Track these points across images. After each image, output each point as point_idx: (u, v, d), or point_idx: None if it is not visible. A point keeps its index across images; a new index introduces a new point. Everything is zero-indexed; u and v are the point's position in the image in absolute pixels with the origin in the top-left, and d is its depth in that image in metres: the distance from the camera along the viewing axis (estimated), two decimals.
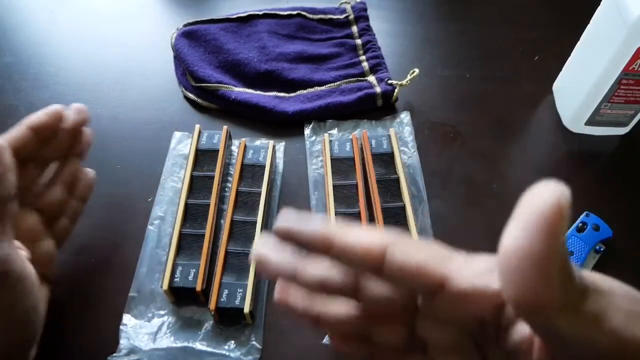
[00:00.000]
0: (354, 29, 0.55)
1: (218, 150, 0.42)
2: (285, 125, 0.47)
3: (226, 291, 0.35)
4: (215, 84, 0.49)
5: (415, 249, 0.19)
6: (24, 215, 0.32)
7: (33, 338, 0.29)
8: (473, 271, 0.18)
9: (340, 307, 0.23)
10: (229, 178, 0.43)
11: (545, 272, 0.14)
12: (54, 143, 0.34)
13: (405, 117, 0.48)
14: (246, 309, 0.34)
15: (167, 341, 0.34)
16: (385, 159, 0.43)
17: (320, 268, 0.21)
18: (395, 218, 0.39)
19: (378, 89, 0.48)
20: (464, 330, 0.21)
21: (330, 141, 0.44)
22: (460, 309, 0.19)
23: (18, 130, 0.32)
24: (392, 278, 0.19)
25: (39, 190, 0.34)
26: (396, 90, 0.48)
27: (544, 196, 0.14)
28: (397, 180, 0.41)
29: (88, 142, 0.38)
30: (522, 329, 0.18)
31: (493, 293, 0.17)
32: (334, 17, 0.56)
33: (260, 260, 0.22)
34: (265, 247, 0.22)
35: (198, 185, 0.41)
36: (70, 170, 0.36)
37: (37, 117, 0.33)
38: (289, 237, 0.20)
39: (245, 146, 0.43)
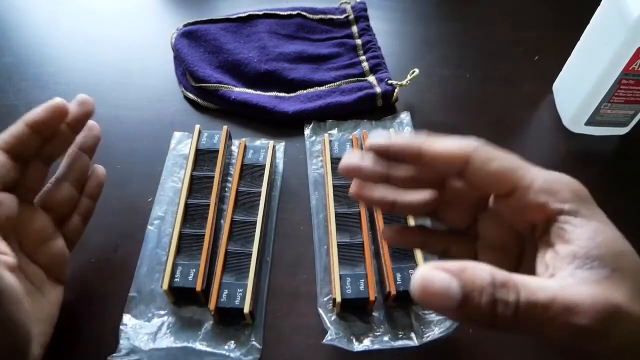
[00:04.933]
0: (354, 29, 0.55)
1: (218, 150, 0.42)
2: (285, 125, 0.47)
3: (226, 291, 0.35)
4: (215, 84, 0.49)
5: (495, 155, 0.22)
6: (33, 215, 0.31)
7: (22, 348, 0.27)
8: (542, 183, 0.21)
9: (415, 195, 0.26)
10: (229, 178, 0.43)
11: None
12: (58, 138, 0.32)
13: (405, 117, 0.48)
14: (246, 309, 0.34)
15: (167, 341, 0.34)
16: None
17: (407, 169, 0.24)
18: (395, 218, 0.39)
19: (378, 89, 0.48)
20: (514, 233, 0.24)
21: (330, 141, 0.44)
22: (524, 213, 0.22)
23: (15, 128, 0.30)
24: (472, 181, 0.22)
25: (47, 189, 0.33)
26: (396, 90, 0.48)
27: (413, 289, 0.18)
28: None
29: (97, 136, 0.36)
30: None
31: (553, 207, 0.21)
32: (334, 17, 0.56)
33: (353, 165, 0.24)
34: (353, 157, 0.24)
35: (198, 185, 0.41)
36: (79, 167, 0.35)
37: (35, 112, 0.31)
38: (382, 150, 0.23)
39: (245, 146, 0.43)
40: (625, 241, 0.20)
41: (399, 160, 0.23)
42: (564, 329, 0.18)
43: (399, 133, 0.47)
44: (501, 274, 0.19)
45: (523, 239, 0.24)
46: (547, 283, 0.19)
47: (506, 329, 0.18)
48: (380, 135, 0.23)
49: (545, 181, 0.21)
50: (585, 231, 0.20)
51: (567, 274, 0.19)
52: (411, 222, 0.38)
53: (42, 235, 0.31)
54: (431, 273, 0.18)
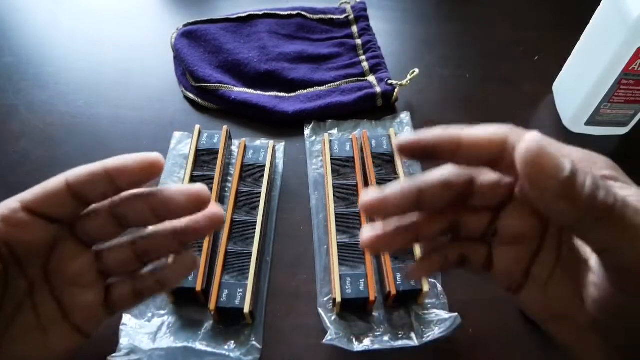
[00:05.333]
0: (354, 29, 0.55)
1: (218, 150, 0.42)
2: (285, 125, 0.48)
3: (226, 291, 0.35)
4: (215, 84, 0.49)
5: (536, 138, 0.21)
6: (77, 255, 0.26)
7: None
8: (581, 155, 0.22)
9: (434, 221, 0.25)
10: (229, 178, 0.43)
11: (553, 203, 0.17)
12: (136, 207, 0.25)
13: (405, 117, 0.48)
14: (246, 309, 0.34)
15: (167, 341, 0.34)
16: (385, 159, 0.43)
17: (440, 172, 0.23)
18: None
19: (378, 89, 0.48)
20: (537, 225, 0.23)
21: (330, 141, 0.44)
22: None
23: (93, 168, 0.24)
24: (511, 162, 0.20)
25: (109, 242, 0.27)
26: (396, 90, 0.48)
27: (520, 155, 0.17)
28: (397, 180, 0.41)
29: (207, 229, 0.26)
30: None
31: (595, 172, 0.20)
32: (334, 17, 0.56)
33: (376, 199, 0.22)
34: (372, 193, 0.22)
35: None
36: (156, 242, 0.27)
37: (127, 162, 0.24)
38: (415, 147, 0.21)
39: (245, 146, 0.43)
40: None
41: (433, 156, 0.22)
42: None
43: (400, 133, 0.47)
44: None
45: (545, 228, 0.24)
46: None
47: (589, 218, 0.17)
48: (409, 134, 0.22)
49: (583, 153, 0.22)
50: (632, 192, 0.20)
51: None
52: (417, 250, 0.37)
53: (76, 278, 0.26)
54: (545, 142, 0.17)
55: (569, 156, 0.18)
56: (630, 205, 0.18)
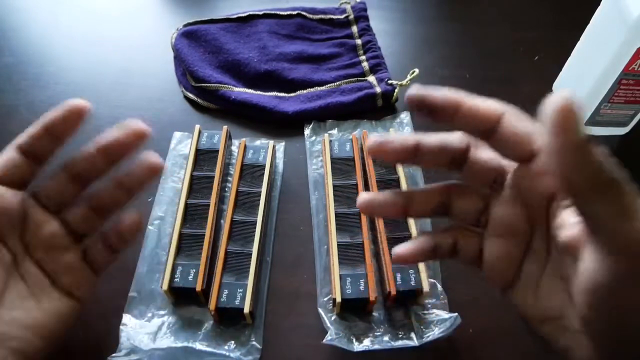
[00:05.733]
0: (354, 29, 0.55)
1: (218, 150, 0.42)
2: (285, 125, 0.48)
3: (226, 291, 0.35)
4: (215, 84, 0.49)
5: (526, 119, 0.23)
6: (46, 220, 0.29)
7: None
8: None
9: (425, 194, 0.27)
10: (229, 178, 0.43)
11: (564, 160, 0.17)
12: (84, 157, 0.29)
13: (405, 117, 0.48)
14: (246, 309, 0.34)
15: (167, 341, 0.34)
16: None
17: (440, 134, 0.25)
18: (397, 222, 0.39)
19: (378, 89, 0.48)
20: (527, 219, 0.24)
21: (330, 141, 0.44)
22: (544, 180, 0.23)
23: (32, 127, 0.29)
24: (502, 140, 0.23)
25: (66, 202, 0.30)
26: (396, 90, 0.48)
27: (551, 104, 0.17)
28: (397, 180, 0.41)
29: (152, 173, 0.30)
30: (570, 231, 0.21)
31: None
32: (334, 17, 0.56)
33: (381, 141, 0.24)
34: (378, 136, 0.25)
35: (198, 185, 0.41)
36: (108, 196, 0.30)
37: (51, 112, 0.28)
38: (422, 100, 0.23)
39: (245, 146, 0.43)
40: None
41: (435, 112, 0.23)
42: (625, 225, 0.18)
43: (400, 133, 0.47)
44: None
45: (534, 222, 0.24)
46: None
47: (600, 192, 0.18)
48: (419, 87, 0.23)
49: None
50: None
51: None
52: (412, 228, 0.38)
53: (52, 242, 0.29)
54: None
55: None
56: (630, 185, 0.18)
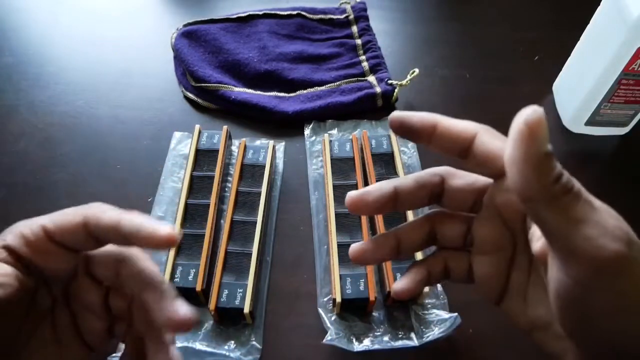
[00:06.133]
0: (354, 29, 0.55)
1: (218, 150, 0.42)
2: (285, 125, 0.48)
3: (226, 291, 0.35)
4: (215, 84, 0.49)
5: (501, 137, 0.23)
6: (92, 286, 0.27)
7: None
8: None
9: (414, 228, 0.28)
10: (229, 178, 0.43)
11: (523, 170, 0.18)
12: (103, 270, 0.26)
13: None
14: (246, 309, 0.34)
15: None
16: (385, 159, 0.43)
17: (411, 176, 0.26)
18: (395, 218, 0.39)
19: (378, 89, 0.48)
20: (507, 233, 0.25)
21: (330, 141, 0.44)
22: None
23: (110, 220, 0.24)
24: (476, 157, 0.23)
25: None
26: (396, 90, 0.48)
27: (519, 116, 0.18)
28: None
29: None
30: (540, 241, 0.22)
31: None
32: (334, 17, 0.56)
33: (358, 196, 0.25)
34: (355, 192, 0.26)
35: (198, 185, 0.41)
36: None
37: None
38: (402, 123, 0.24)
39: (245, 146, 0.43)
40: None
41: (414, 133, 0.24)
42: (584, 241, 0.18)
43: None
44: None
45: (515, 235, 0.25)
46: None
47: (541, 201, 0.18)
48: (398, 112, 0.24)
49: None
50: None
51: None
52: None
53: (89, 307, 0.27)
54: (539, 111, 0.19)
55: None
56: (584, 195, 0.19)
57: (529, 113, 0.18)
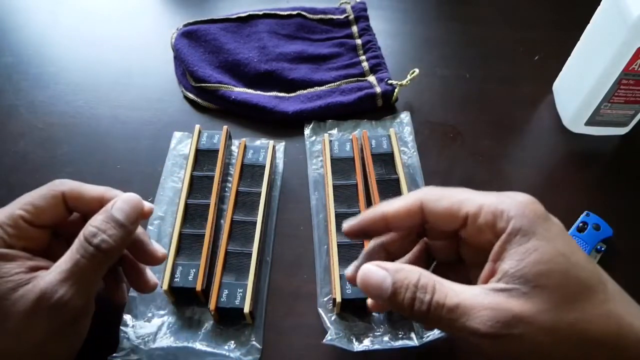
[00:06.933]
0: (354, 29, 0.55)
1: (218, 150, 0.42)
2: (285, 125, 0.47)
3: (226, 291, 0.35)
4: (215, 84, 0.49)
5: (444, 194, 0.26)
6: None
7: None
8: (489, 206, 0.25)
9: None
10: (229, 178, 0.43)
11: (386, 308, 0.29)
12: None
13: (405, 117, 0.48)
14: (246, 309, 0.34)
15: (167, 341, 0.34)
16: (385, 159, 0.43)
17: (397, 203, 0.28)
18: None
19: (378, 89, 0.48)
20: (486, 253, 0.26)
21: (330, 141, 0.44)
22: (481, 236, 0.25)
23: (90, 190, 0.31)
24: (432, 223, 0.26)
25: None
26: (396, 90, 0.48)
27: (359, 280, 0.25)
28: (397, 180, 0.41)
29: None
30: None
31: (499, 226, 0.24)
32: (334, 17, 0.56)
33: (355, 226, 0.28)
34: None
35: (198, 185, 0.41)
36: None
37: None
38: (358, 230, 0.27)
39: (245, 146, 0.43)
40: (562, 258, 0.22)
41: (371, 232, 0.27)
42: (463, 330, 0.22)
43: (400, 133, 0.47)
44: (426, 277, 0.23)
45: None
46: (463, 290, 0.23)
47: (420, 322, 0.23)
48: (348, 220, 0.27)
49: (491, 203, 0.24)
50: (518, 250, 0.23)
51: (489, 286, 0.23)
52: None
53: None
54: (373, 268, 0.23)
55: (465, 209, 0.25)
56: (447, 305, 0.22)
57: (358, 276, 0.24)
